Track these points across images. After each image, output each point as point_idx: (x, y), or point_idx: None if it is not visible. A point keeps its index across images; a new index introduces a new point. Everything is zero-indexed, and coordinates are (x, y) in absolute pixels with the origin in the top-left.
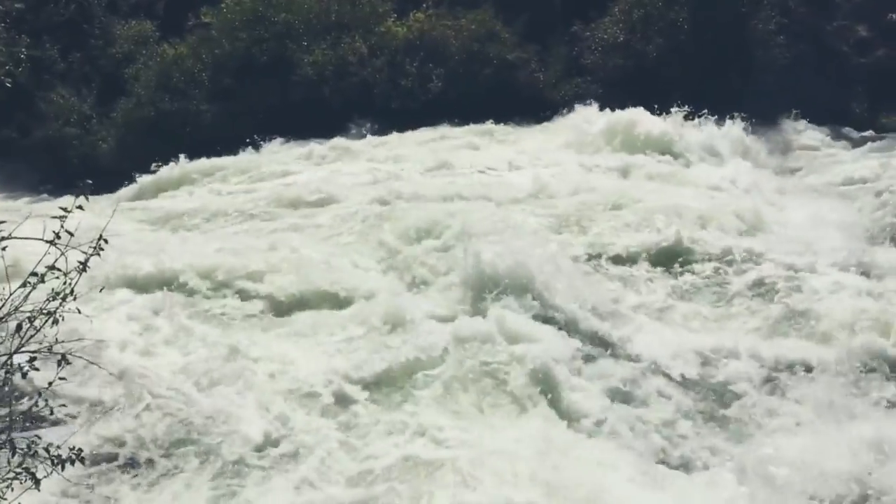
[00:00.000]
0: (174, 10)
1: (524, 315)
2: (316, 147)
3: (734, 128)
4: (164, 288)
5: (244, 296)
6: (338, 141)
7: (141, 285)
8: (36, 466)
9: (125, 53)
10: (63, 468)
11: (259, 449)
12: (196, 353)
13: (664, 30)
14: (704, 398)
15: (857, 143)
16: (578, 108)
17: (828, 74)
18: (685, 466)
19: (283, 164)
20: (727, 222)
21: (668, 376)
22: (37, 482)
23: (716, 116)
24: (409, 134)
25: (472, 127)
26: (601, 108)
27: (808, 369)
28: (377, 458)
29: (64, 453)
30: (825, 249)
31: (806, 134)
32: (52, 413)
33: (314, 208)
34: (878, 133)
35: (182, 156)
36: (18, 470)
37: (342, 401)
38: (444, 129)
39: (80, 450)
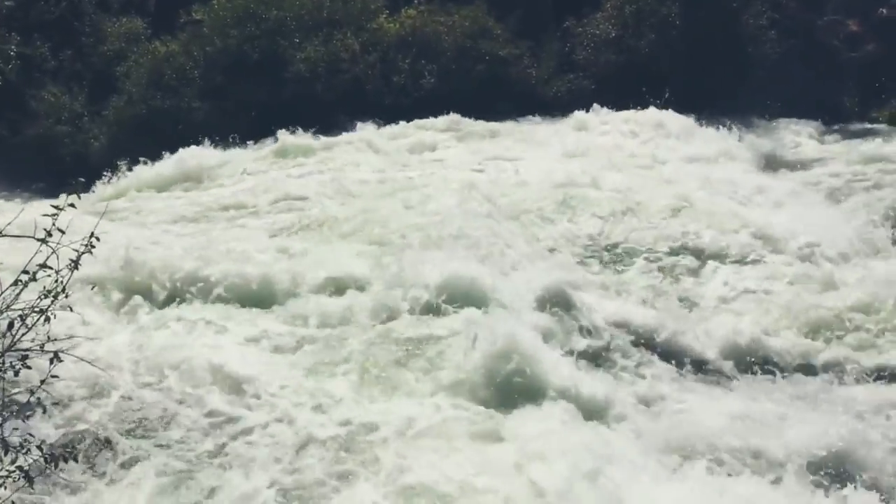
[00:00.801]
0: (165, 8)
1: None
2: (265, 147)
3: (721, 128)
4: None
5: (181, 292)
6: (285, 138)
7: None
8: (29, 464)
9: (116, 51)
10: (56, 466)
11: (209, 438)
12: (142, 347)
13: (656, 25)
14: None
15: (846, 138)
16: (523, 122)
17: (818, 69)
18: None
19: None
20: (668, 214)
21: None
22: (30, 481)
23: (706, 112)
24: (386, 130)
25: (442, 121)
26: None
27: (696, 350)
28: (316, 442)
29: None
30: (761, 240)
31: (796, 129)
32: (45, 411)
33: (257, 209)
34: (869, 128)
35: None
36: (12, 468)
37: (277, 390)
38: (408, 127)
39: (74, 447)
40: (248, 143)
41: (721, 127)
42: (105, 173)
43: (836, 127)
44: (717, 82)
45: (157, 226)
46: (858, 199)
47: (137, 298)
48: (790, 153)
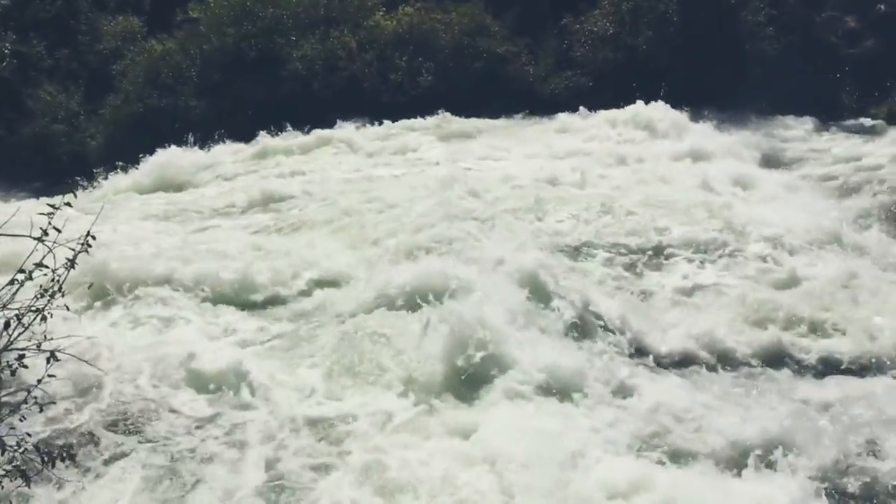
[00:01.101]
0: (161, 6)
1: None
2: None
3: (715, 124)
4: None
5: (158, 290)
6: (266, 140)
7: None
8: (26, 463)
9: (112, 49)
10: (53, 465)
11: (190, 434)
12: (119, 345)
13: (653, 22)
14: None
15: (844, 134)
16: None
17: (817, 66)
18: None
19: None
20: (645, 209)
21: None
22: (27, 480)
23: (704, 109)
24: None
25: (429, 121)
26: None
27: (655, 340)
28: (296, 437)
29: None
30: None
31: (794, 125)
32: (41, 410)
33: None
34: (867, 124)
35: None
36: (9, 468)
37: (256, 385)
38: (393, 127)
39: (71, 446)
40: (233, 141)
41: (716, 123)
42: (81, 183)
43: (833, 123)
44: (715, 79)
45: (132, 223)
46: (845, 195)
47: (112, 297)
48: (785, 149)
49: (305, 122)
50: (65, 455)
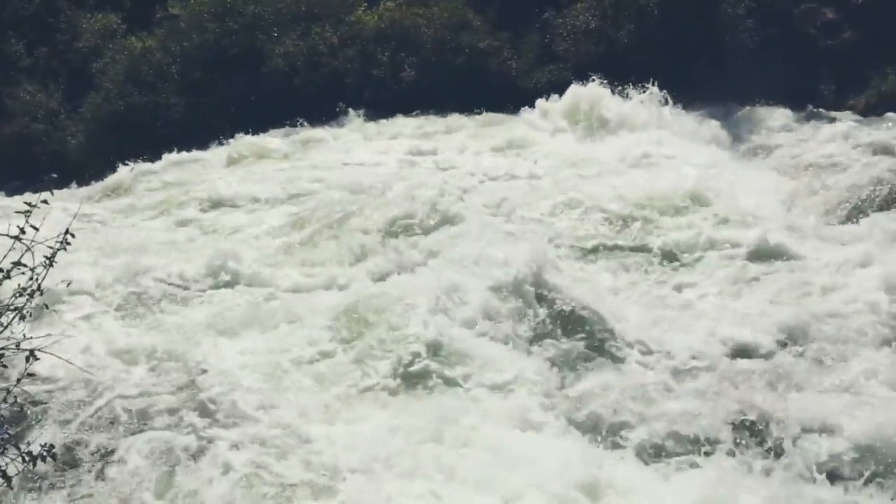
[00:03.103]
0: (141, 3)
1: None
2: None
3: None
4: None
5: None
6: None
7: None
8: (7, 463)
9: (92, 47)
10: (34, 465)
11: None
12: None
13: (634, 16)
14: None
15: (821, 126)
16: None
17: (795, 57)
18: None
19: None
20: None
21: None
22: (8, 480)
23: (685, 101)
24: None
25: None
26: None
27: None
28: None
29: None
30: None
31: (773, 117)
32: (21, 410)
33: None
34: (845, 115)
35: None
36: None
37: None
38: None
39: (52, 446)
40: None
41: (697, 114)
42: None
43: (811, 114)
44: (696, 71)
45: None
46: (806, 184)
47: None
48: (760, 139)
49: (288, 118)
50: (46, 455)
